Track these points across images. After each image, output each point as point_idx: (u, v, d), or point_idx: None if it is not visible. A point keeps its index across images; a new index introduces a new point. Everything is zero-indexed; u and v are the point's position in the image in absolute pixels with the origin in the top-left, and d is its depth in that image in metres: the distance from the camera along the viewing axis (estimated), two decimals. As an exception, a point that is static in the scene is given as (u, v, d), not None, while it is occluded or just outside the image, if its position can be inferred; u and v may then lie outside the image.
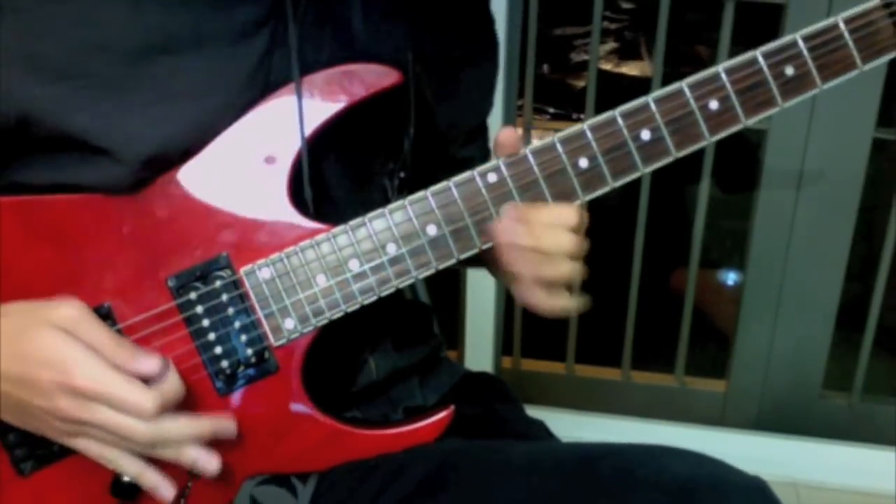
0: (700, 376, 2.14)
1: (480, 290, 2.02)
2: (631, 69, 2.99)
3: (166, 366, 0.78)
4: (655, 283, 2.31)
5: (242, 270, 0.82)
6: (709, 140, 0.83)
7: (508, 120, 1.93)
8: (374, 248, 0.83)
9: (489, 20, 1.01)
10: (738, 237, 2.12)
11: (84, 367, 0.75)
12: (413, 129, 0.91)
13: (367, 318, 0.86)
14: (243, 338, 0.83)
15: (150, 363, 0.77)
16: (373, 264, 0.83)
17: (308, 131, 0.83)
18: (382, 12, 0.88)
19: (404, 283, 0.84)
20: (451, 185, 0.83)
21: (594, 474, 0.82)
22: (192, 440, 0.79)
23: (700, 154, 1.91)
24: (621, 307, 2.08)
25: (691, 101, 0.82)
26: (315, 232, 0.83)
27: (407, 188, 0.91)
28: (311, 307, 0.83)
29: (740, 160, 2.12)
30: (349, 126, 0.85)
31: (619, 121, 0.82)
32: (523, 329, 2.14)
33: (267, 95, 0.82)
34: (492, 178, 0.83)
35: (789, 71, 0.82)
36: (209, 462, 0.80)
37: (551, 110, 2.84)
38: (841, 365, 2.05)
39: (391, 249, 0.83)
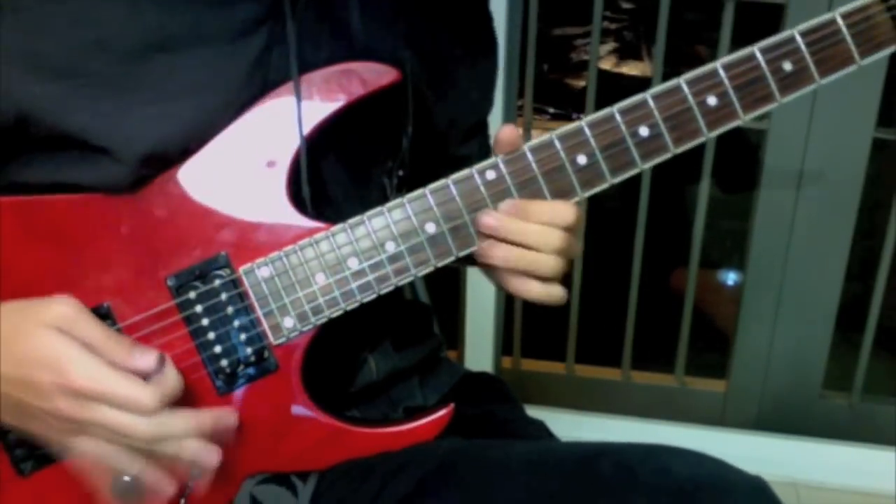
0: (700, 376, 2.14)
1: (480, 290, 2.02)
2: (631, 69, 2.99)
3: (163, 361, 0.77)
4: (655, 283, 2.31)
5: (241, 269, 0.82)
6: (707, 136, 0.83)
7: (508, 120, 1.93)
8: (373, 247, 0.83)
9: (487, 18, 1.01)
10: (738, 237, 2.12)
11: (81, 367, 0.74)
12: (411, 128, 0.91)
13: (366, 317, 0.86)
14: (242, 337, 0.83)
15: (147, 359, 0.76)
16: (372, 262, 0.83)
17: (306, 130, 0.83)
18: (381, 11, 0.88)
19: (403, 280, 0.84)
20: (450, 182, 0.83)
21: (594, 474, 0.82)
22: (194, 435, 0.78)
23: (700, 154, 1.91)
24: (621, 307, 2.08)
25: (689, 97, 0.82)
26: (314, 230, 0.83)
27: (406, 186, 0.91)
28: (311, 306, 0.83)
29: (740, 160, 2.12)
30: (348, 124, 0.85)
31: (618, 117, 0.82)
32: (523, 329, 2.14)
33: (265, 94, 0.82)
34: (490, 175, 0.83)
35: (787, 66, 0.82)
36: (210, 456, 0.78)
37: (551, 110, 2.84)
38: (841, 365, 2.05)
39: (390, 247, 0.83)
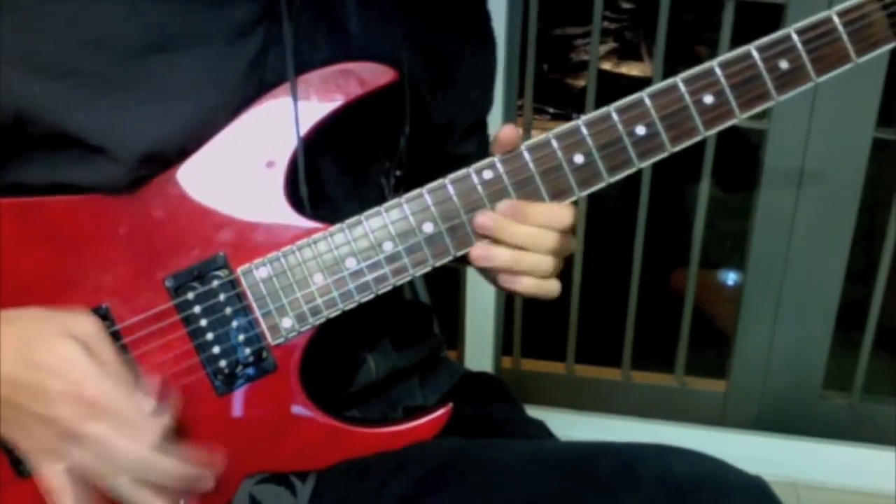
0: (700, 376, 2.14)
1: (480, 290, 2.02)
2: (631, 69, 2.99)
3: (165, 401, 0.77)
4: (655, 283, 2.31)
5: (239, 270, 0.82)
6: (704, 134, 0.83)
7: (508, 120, 1.93)
8: (371, 246, 0.83)
9: (486, 17, 1.01)
10: (738, 237, 2.12)
11: (95, 380, 0.75)
12: (409, 127, 0.91)
13: (366, 317, 0.86)
14: (241, 337, 0.83)
15: (149, 398, 0.77)
16: (370, 262, 0.83)
17: (304, 130, 0.83)
18: (378, 10, 0.88)
19: (401, 280, 0.84)
20: (447, 182, 0.83)
21: (594, 473, 0.81)
22: (172, 480, 0.77)
23: (700, 154, 1.91)
24: (621, 307, 2.08)
25: (686, 95, 0.82)
26: (312, 231, 0.83)
27: (404, 186, 0.91)
28: (309, 306, 0.83)
29: (740, 160, 2.12)
30: (345, 124, 0.85)
31: (614, 116, 0.82)
32: (523, 329, 2.14)
33: (262, 94, 0.82)
34: (487, 174, 0.83)
35: (783, 65, 0.82)
36: None
37: (551, 110, 2.84)
38: (841, 365, 2.05)
39: (388, 247, 0.83)
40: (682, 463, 0.81)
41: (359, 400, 0.95)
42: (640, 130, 0.82)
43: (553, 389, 2.16)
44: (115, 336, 0.82)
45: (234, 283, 0.83)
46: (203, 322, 0.83)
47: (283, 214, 0.83)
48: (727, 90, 0.82)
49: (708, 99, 0.82)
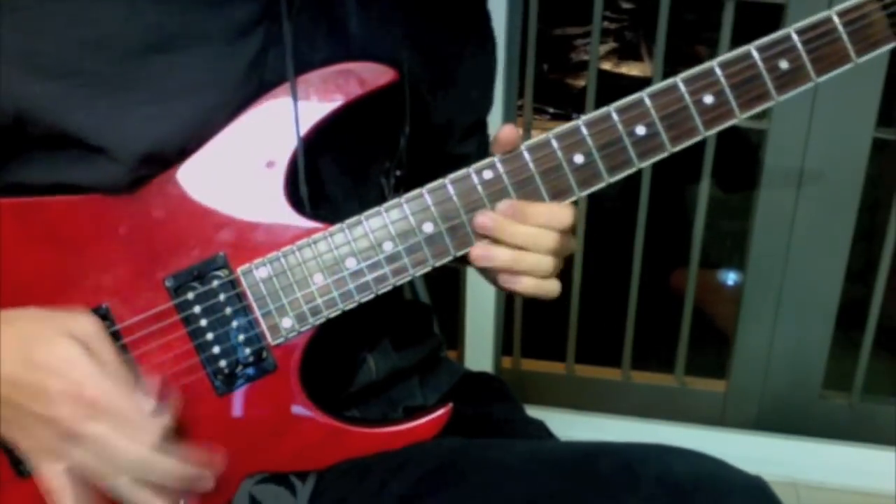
0: (700, 376, 2.14)
1: (480, 290, 2.02)
2: (631, 69, 2.99)
3: (164, 402, 0.77)
4: (655, 283, 2.31)
5: (239, 270, 0.82)
6: (704, 134, 0.83)
7: (508, 120, 1.93)
8: (371, 246, 0.83)
9: (485, 16, 1.01)
10: (738, 237, 2.12)
11: (95, 380, 0.75)
12: (409, 127, 0.91)
13: (366, 317, 0.86)
14: (241, 337, 0.83)
15: (148, 399, 0.76)
16: (370, 262, 0.83)
17: (304, 130, 0.83)
18: (378, 10, 0.88)
19: (401, 280, 0.84)
20: (447, 182, 0.83)
21: (594, 473, 0.81)
22: (172, 480, 0.77)
23: (700, 154, 1.91)
24: (621, 307, 2.08)
25: (686, 95, 0.82)
26: (312, 231, 0.83)
27: (404, 186, 0.91)
28: (309, 306, 0.83)
29: (740, 160, 2.12)
30: (345, 125, 0.85)
31: (614, 116, 0.82)
32: (523, 329, 2.14)
33: (262, 94, 0.82)
34: (487, 174, 0.83)
35: (783, 65, 0.82)
36: None
37: (551, 110, 2.84)
38: (841, 365, 2.05)
39: (388, 247, 0.83)
40: (682, 463, 0.81)
41: (359, 400, 0.95)
42: (640, 130, 0.82)
43: (553, 389, 2.16)
44: (115, 336, 0.82)
45: (234, 283, 0.83)
46: (203, 322, 0.83)
47: (283, 214, 0.83)
48: (727, 90, 0.82)
49: (708, 99, 0.82)
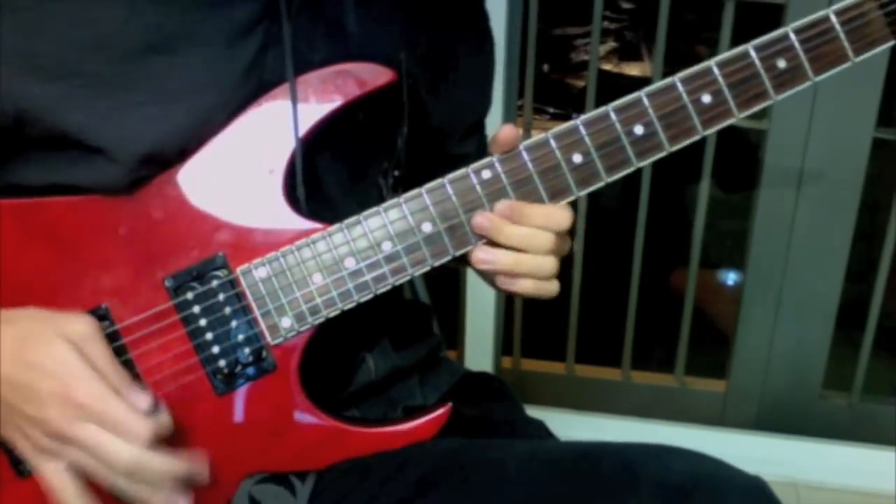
0: (700, 376, 2.14)
1: (480, 290, 2.02)
2: (631, 69, 2.99)
3: (157, 405, 0.77)
4: (655, 283, 2.31)
5: (239, 270, 0.82)
6: (702, 134, 0.83)
7: (508, 120, 1.93)
8: (370, 246, 0.83)
9: (484, 17, 1.01)
10: (738, 237, 2.12)
11: (85, 382, 0.74)
12: (407, 128, 0.91)
13: (365, 316, 0.86)
14: (240, 337, 0.83)
15: (143, 398, 0.76)
16: (369, 262, 0.83)
17: (303, 131, 0.83)
18: (376, 11, 0.88)
19: (400, 280, 0.84)
20: (446, 181, 0.83)
21: (594, 473, 0.82)
22: (168, 477, 0.77)
23: (700, 154, 1.91)
24: (621, 307, 2.08)
25: (684, 95, 0.82)
26: (310, 231, 0.83)
27: (402, 186, 0.91)
28: (308, 306, 0.83)
29: (740, 160, 2.12)
30: (344, 125, 0.85)
31: (612, 116, 0.82)
32: (523, 329, 2.14)
33: (261, 94, 0.82)
34: (486, 174, 0.83)
35: (781, 64, 0.82)
36: None
37: (551, 110, 2.84)
38: (841, 365, 2.05)
39: (387, 247, 0.83)
40: (682, 463, 0.81)
41: (358, 400, 0.95)
42: (639, 130, 0.82)
43: (553, 389, 2.16)
44: (115, 336, 0.82)
45: (233, 283, 0.83)
46: (202, 322, 0.83)
47: (282, 215, 0.83)
48: (725, 89, 0.82)
49: (706, 98, 0.82)
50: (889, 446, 1.99)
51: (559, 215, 0.84)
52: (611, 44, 3.02)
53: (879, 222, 2.01)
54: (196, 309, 0.83)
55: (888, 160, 2.08)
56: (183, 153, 0.82)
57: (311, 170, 0.84)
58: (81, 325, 0.77)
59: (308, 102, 0.83)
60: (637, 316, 2.08)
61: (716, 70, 0.82)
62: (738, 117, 0.83)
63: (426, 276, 0.88)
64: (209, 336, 0.83)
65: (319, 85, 0.83)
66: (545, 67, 2.94)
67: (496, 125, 0.83)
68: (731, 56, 0.82)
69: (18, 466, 0.83)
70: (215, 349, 0.83)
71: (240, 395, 0.84)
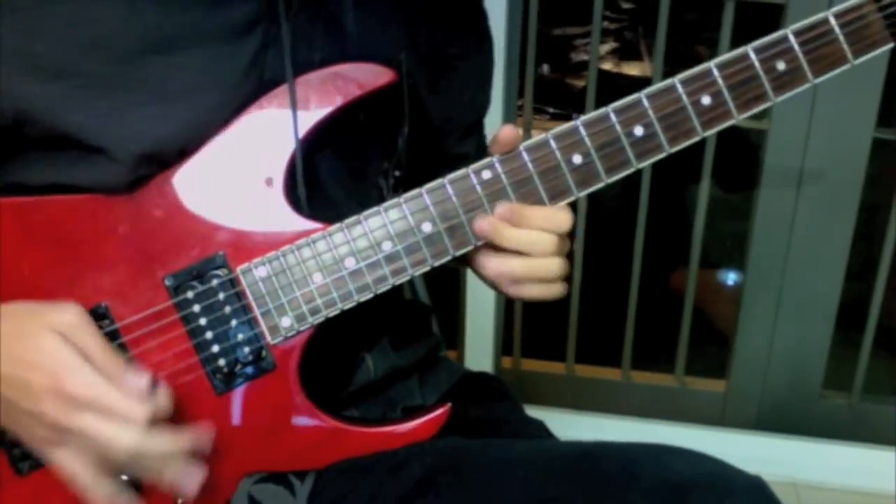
0: (700, 376, 2.14)
1: (480, 290, 2.01)
2: (631, 69, 2.99)
3: (156, 384, 0.77)
4: (655, 283, 2.31)
5: (239, 269, 0.82)
6: (701, 135, 0.83)
7: (508, 120, 1.93)
8: (370, 246, 0.83)
9: (483, 17, 1.01)
10: (738, 237, 2.12)
11: (76, 373, 0.74)
12: (407, 128, 0.91)
13: (364, 316, 0.86)
14: (240, 336, 0.83)
15: (140, 379, 0.76)
16: (369, 262, 0.83)
17: (303, 131, 0.83)
18: (375, 11, 0.88)
19: (400, 280, 0.84)
20: (446, 182, 0.83)
21: (594, 473, 0.82)
22: (174, 457, 0.77)
23: (700, 154, 1.91)
24: (621, 307, 2.08)
25: (683, 96, 0.82)
26: (311, 231, 0.83)
27: (402, 186, 0.91)
28: (308, 305, 0.83)
29: (740, 160, 2.12)
30: (344, 125, 0.85)
31: (612, 117, 0.82)
32: (523, 329, 2.14)
33: (261, 94, 0.82)
34: (486, 174, 0.83)
35: (781, 66, 0.82)
36: (192, 478, 0.77)
37: (551, 110, 2.83)
38: (841, 365, 2.05)
39: (387, 247, 0.83)
40: (682, 463, 0.81)
41: (358, 399, 0.95)
42: (638, 131, 0.83)
43: (553, 389, 2.16)
44: (115, 334, 0.82)
45: (233, 283, 0.83)
46: (202, 321, 0.83)
47: (282, 214, 0.83)
48: (725, 91, 0.82)
49: (705, 100, 0.82)
50: (889, 446, 1.99)
51: (560, 217, 0.84)
52: (611, 44, 3.02)
53: (879, 222, 2.01)
54: (196, 308, 0.83)
55: (888, 160, 2.08)
56: (182, 153, 0.82)
57: (311, 170, 0.84)
58: (67, 315, 0.76)
59: (308, 103, 0.83)
60: (637, 316, 2.08)
61: (715, 72, 0.82)
62: (737, 119, 0.83)
63: (426, 276, 0.88)
64: (209, 335, 0.83)
65: (319, 85, 0.83)
66: (545, 68, 2.94)
67: (496, 125, 0.83)
68: (730, 58, 0.82)
69: (17, 465, 0.83)
70: (215, 348, 0.83)
71: (239, 394, 0.84)
